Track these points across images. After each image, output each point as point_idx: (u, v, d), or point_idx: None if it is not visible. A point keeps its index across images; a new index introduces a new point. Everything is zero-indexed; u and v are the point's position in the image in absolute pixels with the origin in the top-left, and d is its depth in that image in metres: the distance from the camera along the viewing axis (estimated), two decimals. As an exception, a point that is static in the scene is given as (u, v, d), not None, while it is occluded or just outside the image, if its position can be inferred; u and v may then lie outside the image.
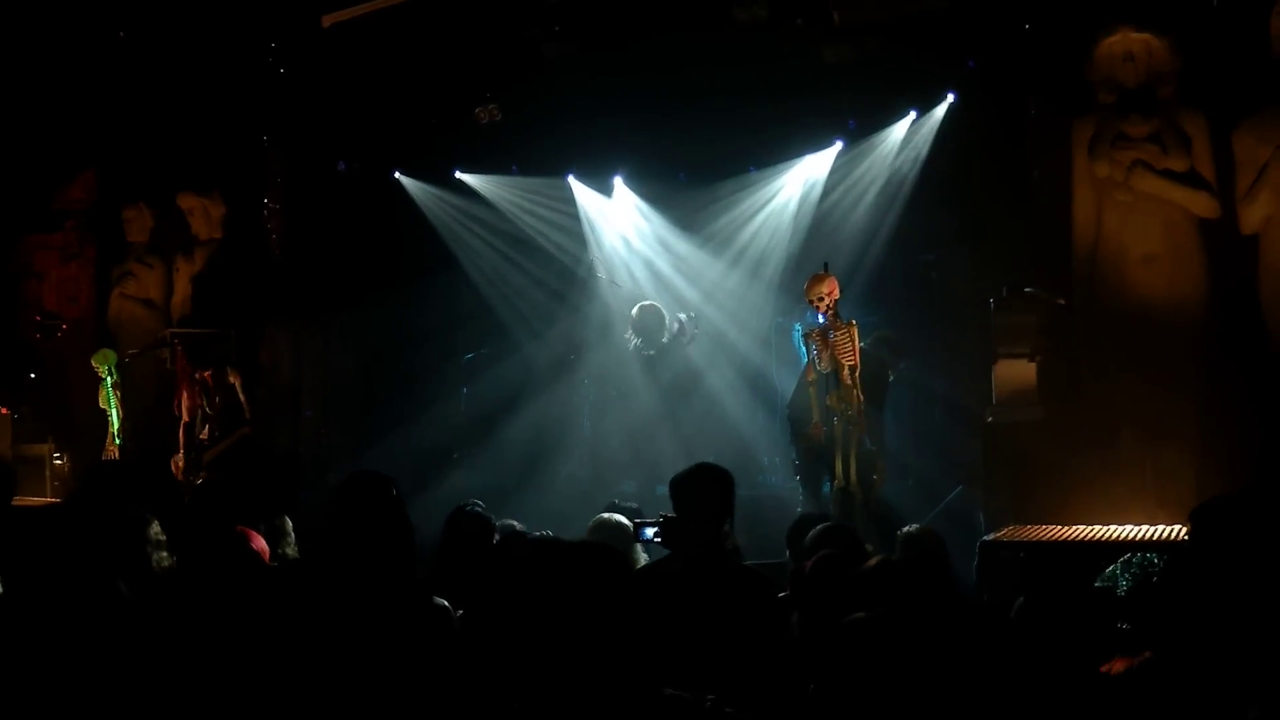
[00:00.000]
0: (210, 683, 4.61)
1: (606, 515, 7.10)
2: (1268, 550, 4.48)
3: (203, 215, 13.50)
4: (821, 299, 9.31)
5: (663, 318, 12.12)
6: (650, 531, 6.03)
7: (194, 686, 4.52)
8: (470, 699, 4.53)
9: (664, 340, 12.09)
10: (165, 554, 6.49)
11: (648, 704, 3.57)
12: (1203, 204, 9.79)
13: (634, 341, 12.09)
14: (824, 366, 9.33)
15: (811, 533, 6.13)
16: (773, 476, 11.91)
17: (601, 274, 13.40)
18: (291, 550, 7.76)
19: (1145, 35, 9.87)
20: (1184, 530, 5.48)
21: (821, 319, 9.40)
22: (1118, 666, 4.24)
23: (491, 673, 4.58)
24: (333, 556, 5.31)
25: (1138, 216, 9.87)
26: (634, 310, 12.17)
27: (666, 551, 5.79)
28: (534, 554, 5.30)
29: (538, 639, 4.31)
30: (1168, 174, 9.78)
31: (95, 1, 12.07)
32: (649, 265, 13.63)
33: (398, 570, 4.97)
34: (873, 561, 5.15)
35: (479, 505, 6.50)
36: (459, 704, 4.53)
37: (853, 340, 9.20)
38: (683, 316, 12.37)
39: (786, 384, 10.69)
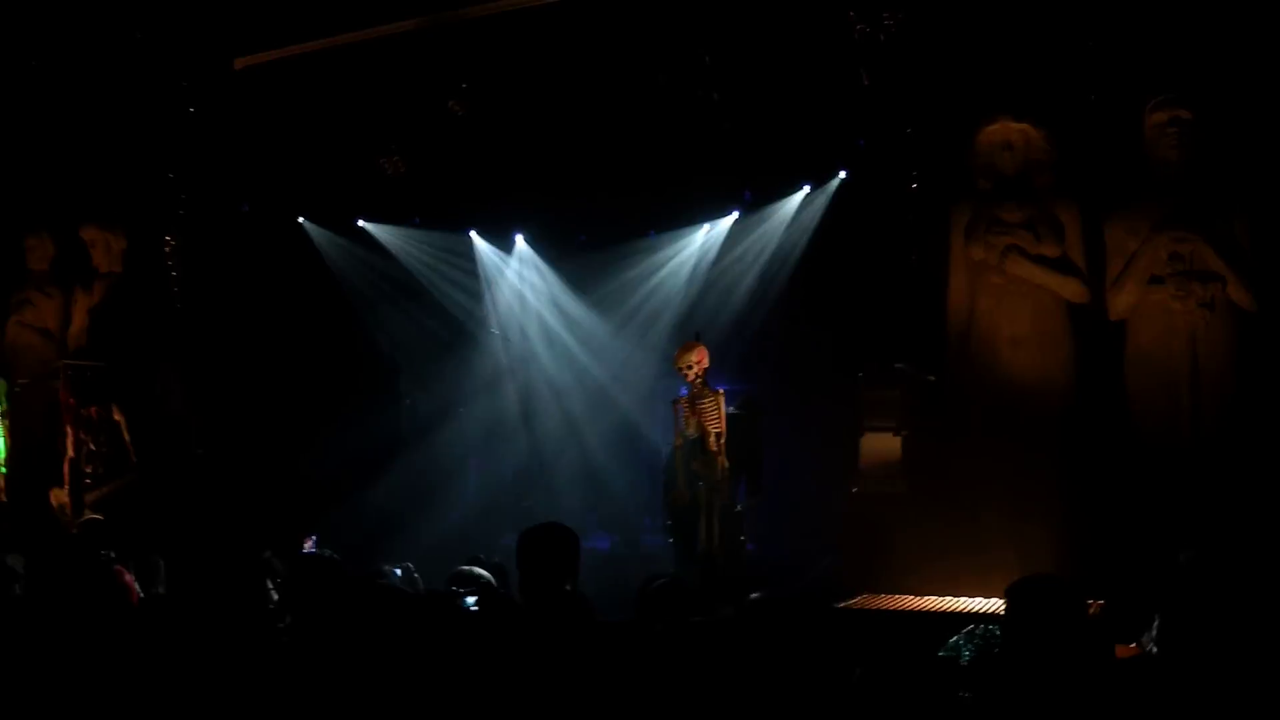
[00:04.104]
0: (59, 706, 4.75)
1: (466, 568, 7.27)
2: (1074, 629, 4.72)
3: (104, 248, 13.45)
4: (690, 367, 9.57)
5: None
6: (471, 600, 6.19)
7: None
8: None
9: None
10: (16, 586, 6.62)
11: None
12: (1073, 290, 10.06)
13: None
14: (690, 432, 9.58)
15: (648, 590, 6.29)
16: (651, 537, 12.09)
17: (495, 329, 13.59)
18: (163, 588, 7.87)
19: (1024, 125, 10.15)
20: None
21: (686, 389, 9.66)
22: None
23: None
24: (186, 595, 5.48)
25: (1009, 299, 10.12)
26: None
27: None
28: (368, 599, 5.50)
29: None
30: (1040, 260, 10.04)
31: (9, 31, 12.06)
32: (542, 323, 13.84)
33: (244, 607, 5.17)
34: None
35: (325, 551, 6.66)
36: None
37: (719, 408, 9.46)
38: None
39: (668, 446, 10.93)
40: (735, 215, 13.24)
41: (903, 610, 8.27)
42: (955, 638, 7.46)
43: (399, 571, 7.52)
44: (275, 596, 7.09)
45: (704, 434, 9.49)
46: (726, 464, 9.49)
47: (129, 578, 6.85)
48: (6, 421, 12.63)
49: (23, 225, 13.86)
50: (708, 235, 13.40)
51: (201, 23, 11.72)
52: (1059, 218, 10.10)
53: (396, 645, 4.81)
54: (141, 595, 7.31)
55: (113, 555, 7.59)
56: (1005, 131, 10.18)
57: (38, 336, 13.78)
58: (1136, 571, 8.44)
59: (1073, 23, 10.06)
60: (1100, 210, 10.03)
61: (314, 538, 9.28)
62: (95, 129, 12.93)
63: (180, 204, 13.46)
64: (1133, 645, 6.22)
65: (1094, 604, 7.48)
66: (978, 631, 7.49)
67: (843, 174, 12.38)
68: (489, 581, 6.68)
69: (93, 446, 11.65)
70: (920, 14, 10.16)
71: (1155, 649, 6.05)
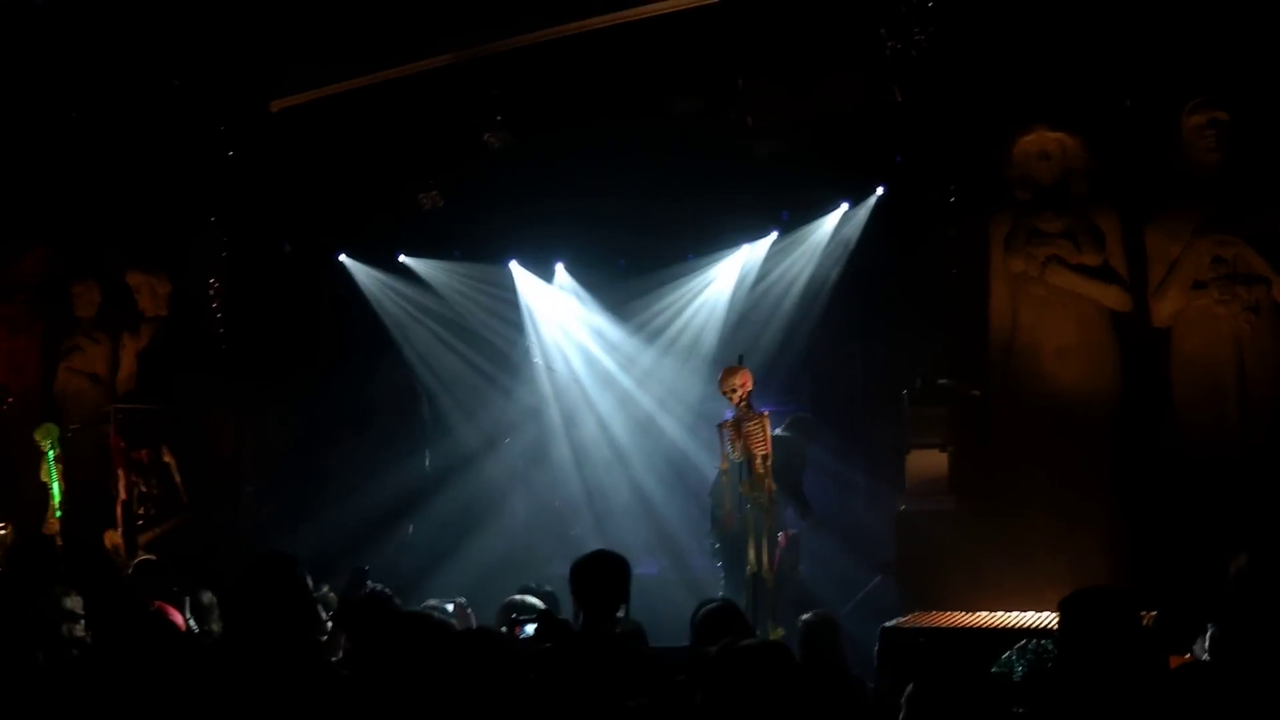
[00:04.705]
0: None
1: (519, 598, 7.33)
2: (1128, 640, 4.70)
3: (149, 292, 13.63)
4: (734, 390, 9.59)
5: None
6: (531, 628, 6.24)
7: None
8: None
9: None
10: (79, 625, 6.70)
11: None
12: (1115, 298, 10.00)
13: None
14: (737, 456, 9.60)
15: (699, 614, 6.33)
16: (700, 561, 12.09)
17: (537, 359, 13.65)
18: (217, 625, 7.94)
19: (1060, 134, 10.09)
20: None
21: (732, 412, 9.67)
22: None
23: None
24: (241, 632, 5.53)
25: (1052, 310, 10.07)
26: None
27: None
28: (420, 634, 5.52)
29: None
30: (1081, 269, 9.99)
31: (50, 81, 12.24)
32: (584, 351, 13.89)
33: (299, 642, 5.20)
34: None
35: (377, 586, 6.71)
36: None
37: (764, 430, 9.46)
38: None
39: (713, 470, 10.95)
40: (774, 236, 13.24)
41: (954, 627, 8.22)
42: (1008, 653, 7.43)
43: (450, 606, 7.56)
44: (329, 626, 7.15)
45: (750, 457, 9.50)
46: (774, 486, 9.50)
47: (178, 616, 6.93)
48: (60, 466, 12.78)
49: (70, 273, 14.04)
50: (747, 257, 13.40)
51: (237, 67, 11.84)
52: (1098, 226, 10.04)
53: (446, 680, 4.83)
54: (196, 631, 7.40)
55: (175, 589, 7.67)
56: (1041, 141, 10.14)
57: (87, 382, 13.95)
58: (1188, 581, 8.37)
59: (1105, 29, 10.00)
60: (1141, 216, 9.97)
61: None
62: (136, 176, 13.08)
63: (223, 246, 13.60)
64: (1186, 655, 6.18)
65: (1147, 615, 7.42)
66: (1030, 646, 7.45)
67: (880, 190, 12.36)
68: (546, 609, 6.72)
69: (144, 488, 11.79)
70: (951, 28, 10.14)
71: (1207, 657, 6.02)
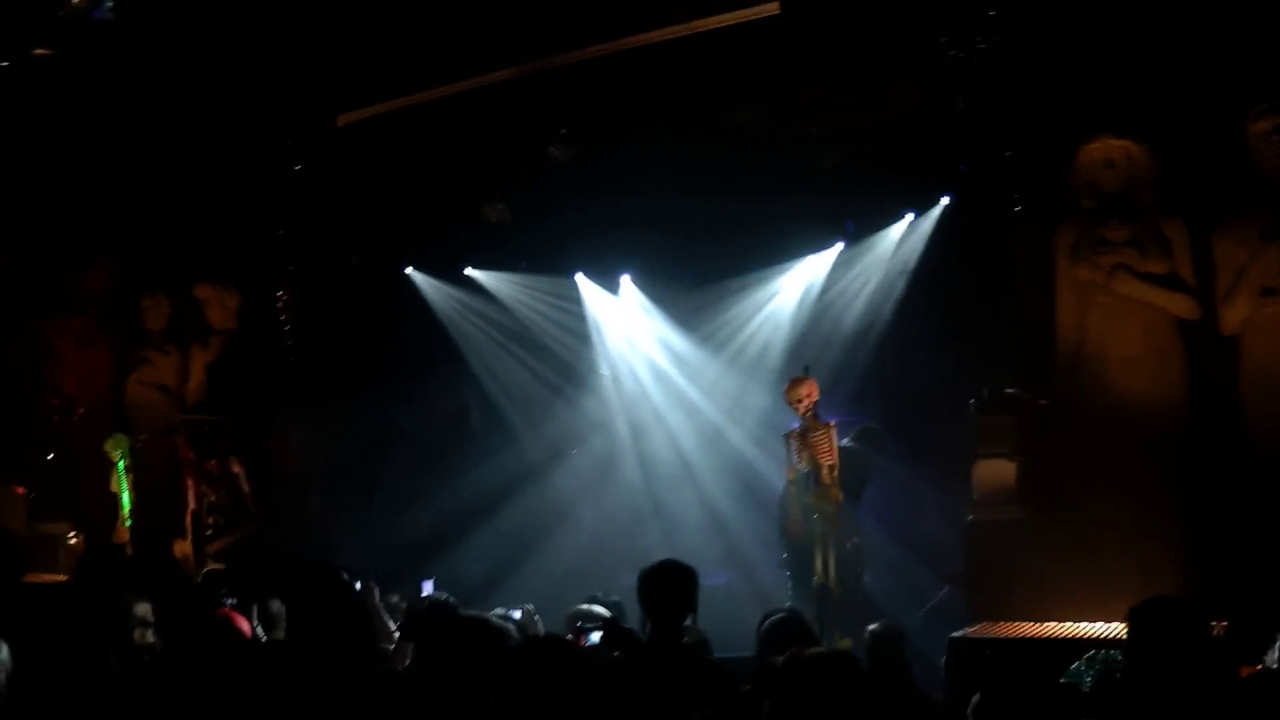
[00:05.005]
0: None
1: (585, 607, 7.35)
2: (1198, 650, 4.66)
3: (218, 305, 13.76)
4: (800, 401, 9.62)
5: None
6: (596, 636, 6.24)
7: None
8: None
9: None
10: (150, 632, 6.81)
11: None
12: (1183, 306, 9.90)
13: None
14: (803, 466, 9.61)
15: (765, 624, 6.33)
16: (767, 571, 12.09)
17: (604, 371, 13.71)
18: (284, 634, 8.02)
19: (1125, 142, 10.00)
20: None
21: (798, 423, 9.69)
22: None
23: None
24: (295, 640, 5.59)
25: (1119, 319, 9.96)
26: None
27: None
28: (480, 639, 5.54)
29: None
30: (1148, 277, 9.88)
31: (118, 97, 12.39)
32: (651, 363, 13.92)
33: (354, 649, 5.25)
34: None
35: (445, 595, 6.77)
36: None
37: (830, 440, 9.48)
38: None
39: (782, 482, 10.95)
40: (840, 246, 13.23)
41: (1022, 637, 8.18)
42: (1077, 664, 7.39)
43: (518, 614, 7.59)
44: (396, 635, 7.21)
45: (816, 467, 9.52)
46: (840, 496, 9.51)
47: (244, 624, 7.02)
48: (130, 476, 12.93)
49: (139, 286, 14.20)
50: (813, 267, 13.40)
51: (304, 82, 11.95)
52: (1165, 233, 9.93)
53: (509, 685, 4.86)
54: (264, 639, 7.48)
55: (237, 600, 7.77)
56: (1106, 149, 10.04)
57: (157, 393, 14.05)
58: (1260, 591, 8.29)
59: (1170, 35, 9.93)
60: (1207, 223, 9.84)
61: (432, 580, 9.41)
62: (206, 190, 13.22)
63: (290, 259, 13.74)
64: (1258, 666, 6.12)
65: (1217, 625, 7.35)
66: (1099, 657, 7.40)
67: (945, 200, 12.32)
68: (611, 617, 6.75)
69: (213, 499, 11.94)
70: (1013, 36, 10.10)
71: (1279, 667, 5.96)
